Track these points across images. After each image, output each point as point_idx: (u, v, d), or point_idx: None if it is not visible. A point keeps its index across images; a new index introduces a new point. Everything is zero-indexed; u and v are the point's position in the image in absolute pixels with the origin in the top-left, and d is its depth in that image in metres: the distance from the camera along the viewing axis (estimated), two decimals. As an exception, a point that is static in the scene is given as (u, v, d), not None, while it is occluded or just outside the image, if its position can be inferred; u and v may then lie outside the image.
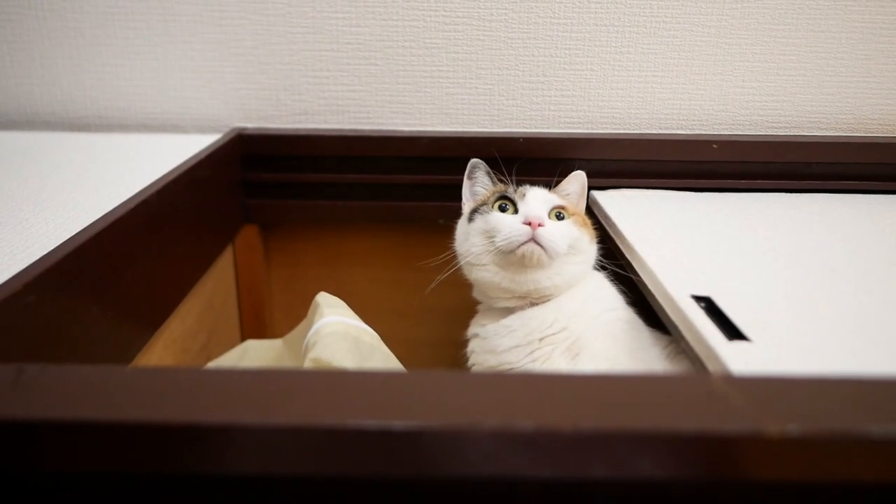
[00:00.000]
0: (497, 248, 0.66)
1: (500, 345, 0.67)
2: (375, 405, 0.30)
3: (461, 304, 0.77)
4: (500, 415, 0.30)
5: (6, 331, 0.42)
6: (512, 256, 0.65)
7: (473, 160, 0.77)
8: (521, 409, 0.30)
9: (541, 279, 0.66)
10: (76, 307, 0.50)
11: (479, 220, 0.69)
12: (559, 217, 0.69)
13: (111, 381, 0.32)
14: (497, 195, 0.71)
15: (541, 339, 0.66)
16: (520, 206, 0.69)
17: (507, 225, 0.66)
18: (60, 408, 0.30)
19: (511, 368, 0.66)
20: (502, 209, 0.69)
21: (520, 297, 0.68)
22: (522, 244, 0.64)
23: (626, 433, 0.30)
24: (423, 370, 0.34)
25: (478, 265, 0.69)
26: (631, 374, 0.34)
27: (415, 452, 0.30)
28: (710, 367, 0.48)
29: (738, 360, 0.46)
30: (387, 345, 0.65)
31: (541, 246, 0.64)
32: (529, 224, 0.64)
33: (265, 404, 0.30)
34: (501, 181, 0.76)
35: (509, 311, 0.69)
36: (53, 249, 0.49)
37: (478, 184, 0.76)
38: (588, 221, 0.73)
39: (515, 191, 0.71)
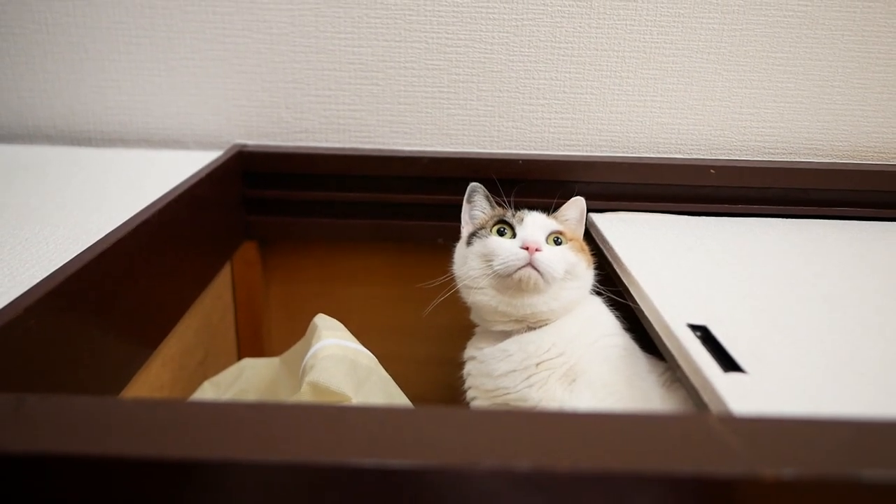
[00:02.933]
0: (494, 271, 0.66)
1: (496, 369, 0.68)
2: (373, 443, 0.31)
3: (459, 322, 0.77)
4: (498, 454, 0.30)
5: (7, 356, 0.42)
6: (509, 280, 0.66)
7: (472, 184, 0.77)
8: (519, 448, 0.31)
9: (537, 303, 0.67)
10: (76, 330, 0.50)
11: (478, 244, 0.70)
12: (557, 242, 0.70)
13: (111, 414, 0.32)
14: (495, 219, 0.71)
15: (537, 364, 0.66)
16: (518, 230, 0.69)
17: (504, 249, 0.66)
18: (59, 441, 0.30)
19: (507, 393, 0.66)
20: (500, 233, 0.70)
21: (517, 321, 0.69)
22: (519, 269, 0.65)
23: (622, 474, 0.30)
24: (420, 408, 0.34)
25: (475, 288, 0.69)
26: (628, 414, 0.34)
27: (412, 491, 0.30)
28: (706, 398, 0.49)
29: (733, 392, 0.46)
30: (384, 363, 0.65)
31: (538, 271, 0.65)
32: (527, 249, 0.65)
33: (263, 440, 0.31)
34: (500, 205, 0.76)
35: (506, 334, 0.69)
36: (54, 272, 0.49)
37: (476, 207, 0.77)
38: (586, 247, 0.73)
39: (514, 215, 0.71)
